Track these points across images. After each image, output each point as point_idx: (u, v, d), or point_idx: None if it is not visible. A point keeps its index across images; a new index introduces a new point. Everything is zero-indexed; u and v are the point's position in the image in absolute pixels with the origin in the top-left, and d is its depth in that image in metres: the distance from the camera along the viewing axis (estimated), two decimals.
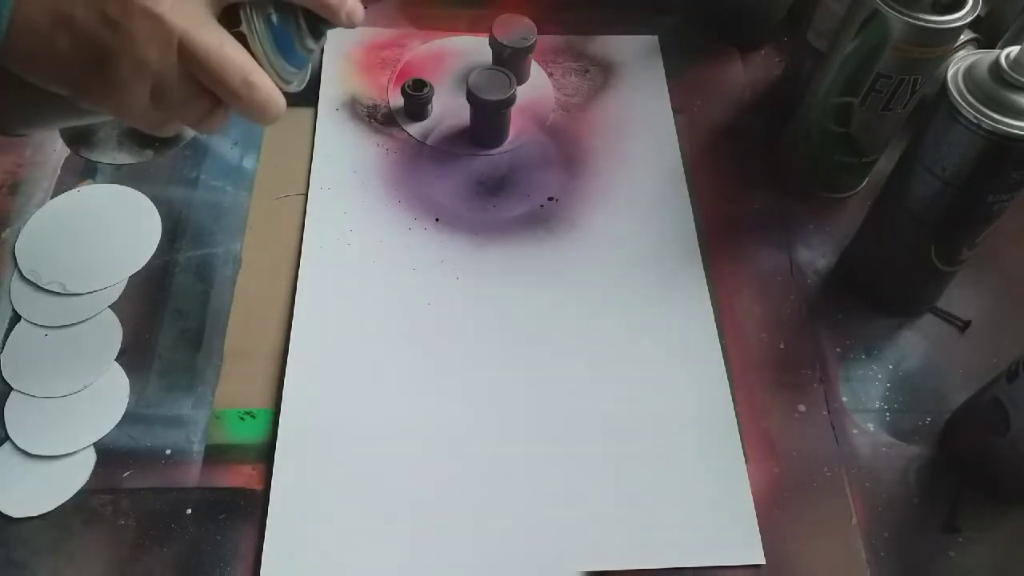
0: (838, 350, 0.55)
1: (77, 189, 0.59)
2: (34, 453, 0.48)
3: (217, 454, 0.49)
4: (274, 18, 0.39)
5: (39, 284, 0.54)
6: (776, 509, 0.49)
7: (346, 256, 0.57)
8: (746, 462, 0.50)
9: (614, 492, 0.49)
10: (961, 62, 0.47)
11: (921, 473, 0.50)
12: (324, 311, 0.54)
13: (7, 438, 0.49)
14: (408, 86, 0.63)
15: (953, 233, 0.51)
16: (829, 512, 0.49)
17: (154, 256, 0.56)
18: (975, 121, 0.45)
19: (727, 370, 0.53)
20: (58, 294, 0.54)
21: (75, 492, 0.47)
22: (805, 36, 0.62)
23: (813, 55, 0.61)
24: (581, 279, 0.57)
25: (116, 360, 0.52)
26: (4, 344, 0.52)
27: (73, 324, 0.53)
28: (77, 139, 0.61)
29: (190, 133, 0.62)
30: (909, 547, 0.48)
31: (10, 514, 0.46)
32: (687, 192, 0.61)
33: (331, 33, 0.67)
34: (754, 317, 0.56)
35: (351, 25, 0.40)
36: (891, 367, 0.54)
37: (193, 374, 0.52)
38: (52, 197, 0.58)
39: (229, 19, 0.38)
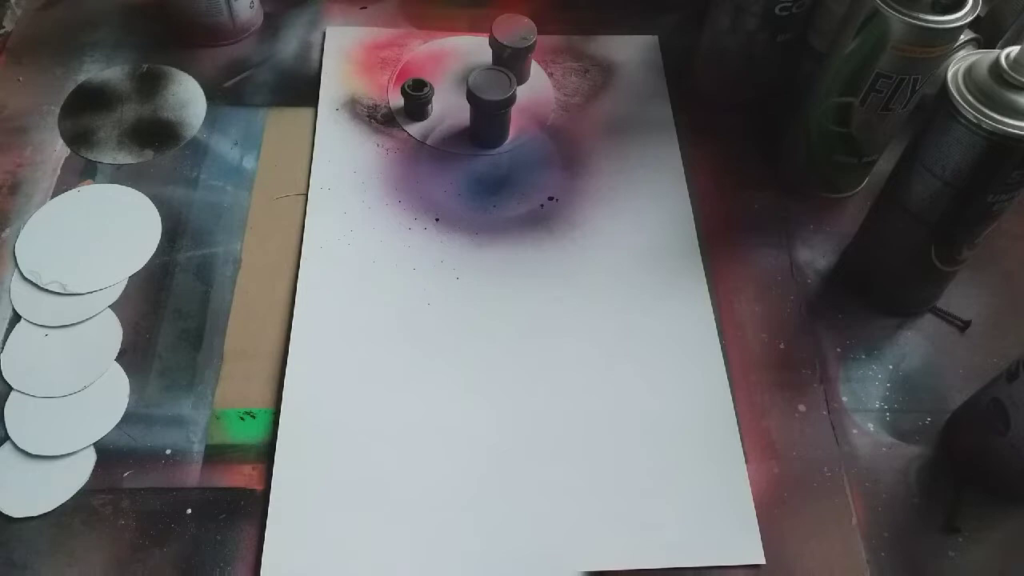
0: (838, 350, 0.55)
1: (77, 189, 0.59)
2: (34, 453, 0.48)
3: (217, 454, 0.49)
4: None
5: (39, 284, 0.54)
6: (776, 509, 0.49)
7: (346, 256, 0.57)
8: (746, 462, 0.50)
9: (614, 492, 0.49)
10: (961, 62, 0.47)
11: (921, 473, 0.50)
12: (324, 311, 0.54)
13: (7, 438, 0.49)
14: (408, 86, 0.63)
15: (953, 233, 0.51)
16: (829, 512, 0.49)
17: (154, 256, 0.56)
18: (975, 121, 0.45)
19: (727, 370, 0.53)
20: (58, 294, 0.54)
21: (75, 492, 0.47)
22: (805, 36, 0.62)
23: (813, 55, 0.61)
24: (581, 279, 0.57)
25: (116, 360, 0.52)
26: (4, 344, 0.52)
27: (73, 324, 0.53)
28: (77, 139, 0.61)
29: (190, 133, 0.62)
30: (909, 547, 0.48)
31: (10, 514, 0.46)
32: (687, 192, 0.61)
33: (331, 33, 0.68)
34: (754, 317, 0.56)
35: None
36: (891, 367, 0.54)
37: (193, 374, 0.52)
38: (52, 197, 0.58)
39: None
